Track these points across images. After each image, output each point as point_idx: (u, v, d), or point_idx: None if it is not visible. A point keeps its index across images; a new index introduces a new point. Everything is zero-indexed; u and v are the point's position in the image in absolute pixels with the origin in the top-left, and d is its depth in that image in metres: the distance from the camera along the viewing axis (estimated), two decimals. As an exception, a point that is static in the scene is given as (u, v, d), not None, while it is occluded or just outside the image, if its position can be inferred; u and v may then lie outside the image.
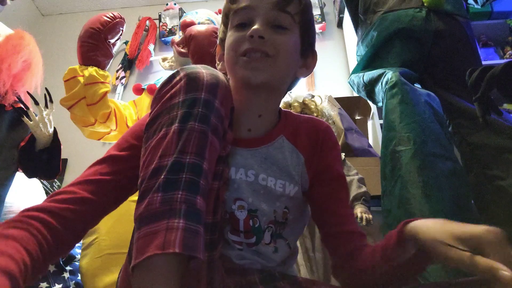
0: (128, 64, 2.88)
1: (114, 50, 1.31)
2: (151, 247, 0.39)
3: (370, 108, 2.11)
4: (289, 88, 0.72)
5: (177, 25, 2.87)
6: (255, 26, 0.59)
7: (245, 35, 0.59)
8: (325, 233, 0.66)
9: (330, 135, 0.69)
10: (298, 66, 0.67)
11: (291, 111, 1.43)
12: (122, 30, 1.31)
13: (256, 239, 0.60)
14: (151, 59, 2.84)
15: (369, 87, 1.37)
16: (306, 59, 0.69)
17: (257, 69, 0.58)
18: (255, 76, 0.58)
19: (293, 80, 0.70)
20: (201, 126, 0.46)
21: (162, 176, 0.43)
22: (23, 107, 1.34)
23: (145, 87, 1.54)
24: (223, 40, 0.67)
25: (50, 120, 1.37)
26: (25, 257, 0.40)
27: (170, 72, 1.28)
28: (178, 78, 0.50)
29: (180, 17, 2.90)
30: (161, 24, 2.98)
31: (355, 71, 1.47)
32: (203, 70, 0.50)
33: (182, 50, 1.51)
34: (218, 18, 1.79)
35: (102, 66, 1.27)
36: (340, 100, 2.04)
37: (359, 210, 1.28)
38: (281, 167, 0.63)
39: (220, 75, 0.52)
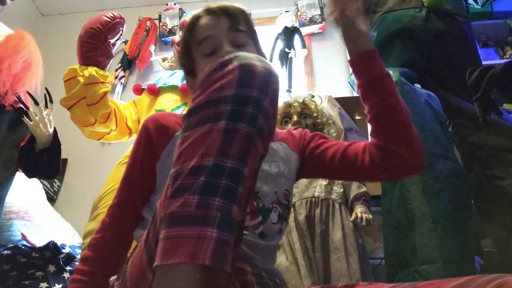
0: (128, 63, 2.88)
1: (114, 50, 1.31)
2: (180, 253, 0.37)
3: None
4: None
5: (177, 25, 2.86)
6: (227, 49, 0.69)
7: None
8: (345, 167, 0.72)
9: (304, 131, 0.82)
10: None
11: (291, 111, 1.44)
12: (122, 30, 1.31)
13: (262, 217, 0.64)
14: (151, 59, 2.84)
15: (369, 87, 1.36)
16: None
17: None
18: None
19: None
20: (248, 129, 0.44)
21: (202, 178, 0.41)
22: (23, 107, 1.34)
23: (145, 87, 1.54)
24: (191, 71, 0.78)
25: (50, 120, 1.37)
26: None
27: (170, 72, 1.30)
28: (231, 67, 0.47)
29: (180, 17, 2.90)
30: (161, 24, 2.98)
31: (355, 71, 1.47)
32: (257, 62, 0.48)
33: (182, 50, 1.51)
34: (218, 18, 1.79)
35: (102, 66, 1.27)
36: (340, 100, 2.04)
37: (359, 210, 1.28)
38: (271, 153, 0.71)
39: (273, 69, 0.50)
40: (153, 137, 0.71)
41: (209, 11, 0.75)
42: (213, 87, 0.46)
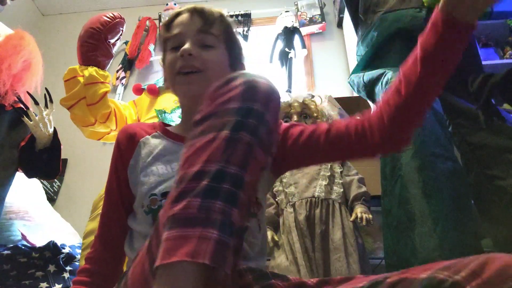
0: (128, 64, 2.88)
1: (114, 50, 1.31)
2: (181, 252, 0.38)
3: (370, 108, 2.10)
4: None
5: (177, 25, 2.87)
6: (185, 46, 0.72)
7: (178, 55, 0.72)
8: (339, 146, 0.71)
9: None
10: None
11: (291, 111, 1.44)
12: (122, 30, 1.31)
13: None
14: (151, 59, 2.84)
15: (369, 87, 1.36)
16: (236, 71, 0.80)
17: (191, 83, 0.71)
18: (190, 89, 0.71)
19: None
20: (250, 138, 0.46)
21: (205, 182, 0.43)
22: (23, 107, 1.34)
23: (145, 87, 1.54)
24: (163, 63, 0.81)
25: (50, 120, 1.37)
26: None
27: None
28: (236, 83, 0.51)
29: (180, 17, 2.90)
30: (161, 24, 2.98)
31: (355, 71, 1.47)
32: (261, 80, 0.52)
33: (182, 50, 1.51)
34: (218, 18, 1.79)
35: (102, 66, 1.27)
36: (340, 100, 2.04)
37: (359, 210, 1.28)
38: None
39: (275, 87, 0.53)
40: (122, 146, 0.74)
41: (187, 10, 0.77)
42: (219, 100, 0.50)
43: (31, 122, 1.32)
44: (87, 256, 0.72)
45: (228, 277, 0.42)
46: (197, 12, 0.76)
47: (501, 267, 0.37)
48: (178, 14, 0.77)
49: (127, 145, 0.73)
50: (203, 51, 0.73)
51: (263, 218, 0.72)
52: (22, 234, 1.56)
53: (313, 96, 1.51)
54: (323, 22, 2.77)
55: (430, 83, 0.65)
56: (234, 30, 0.81)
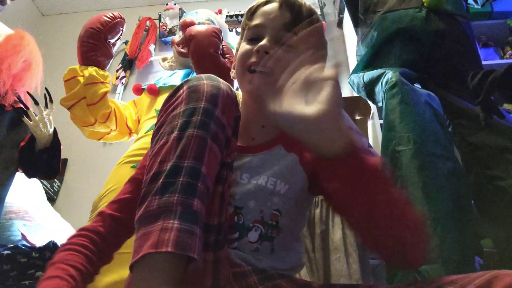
0: (128, 64, 2.88)
1: (114, 50, 1.31)
2: (146, 247, 0.40)
3: (370, 108, 2.11)
4: None
5: (177, 25, 2.86)
6: (262, 42, 0.66)
7: (253, 49, 0.67)
8: None
9: None
10: None
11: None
12: (122, 30, 1.31)
13: (239, 235, 0.61)
14: (151, 59, 2.84)
15: (369, 87, 1.36)
16: None
17: (260, 85, 0.64)
18: (258, 89, 0.64)
19: None
20: (200, 133, 0.48)
21: (161, 180, 0.45)
22: (23, 107, 1.34)
23: (145, 87, 1.54)
24: (237, 51, 0.75)
25: (50, 120, 1.38)
26: (71, 272, 0.52)
27: (170, 72, 1.30)
28: (181, 90, 0.53)
29: (180, 17, 2.90)
30: (161, 24, 2.98)
31: (355, 71, 1.47)
32: (204, 81, 0.53)
33: (182, 50, 1.51)
34: (218, 18, 1.79)
35: (102, 66, 1.27)
36: (340, 100, 2.04)
37: (359, 210, 1.28)
38: (275, 168, 0.66)
39: (222, 85, 0.54)
40: None
41: (279, 0, 0.69)
42: (168, 110, 0.52)
43: (31, 122, 1.32)
44: (88, 227, 0.63)
45: (205, 267, 0.44)
46: (287, 5, 0.68)
47: (508, 285, 0.36)
48: (266, 1, 0.71)
49: None
50: (281, 51, 0.65)
51: (285, 241, 0.64)
52: (22, 234, 1.56)
53: (313, 96, 1.51)
54: (323, 22, 2.77)
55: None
56: (323, 32, 0.75)
